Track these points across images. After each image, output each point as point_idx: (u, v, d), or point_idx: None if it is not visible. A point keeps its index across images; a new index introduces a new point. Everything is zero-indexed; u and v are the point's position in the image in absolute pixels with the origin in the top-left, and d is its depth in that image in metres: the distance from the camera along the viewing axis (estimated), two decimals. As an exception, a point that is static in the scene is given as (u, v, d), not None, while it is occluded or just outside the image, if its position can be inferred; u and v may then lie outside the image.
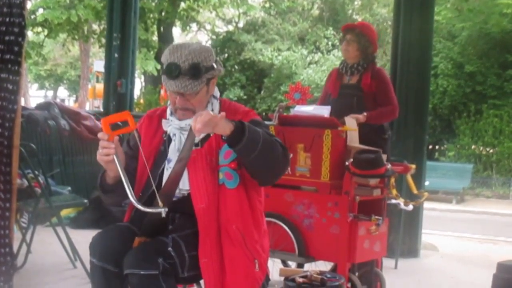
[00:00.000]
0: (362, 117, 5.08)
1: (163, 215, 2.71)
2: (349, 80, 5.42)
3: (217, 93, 3.01)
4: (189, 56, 2.79)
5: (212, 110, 2.94)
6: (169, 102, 3.00)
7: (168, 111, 3.00)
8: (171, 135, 2.96)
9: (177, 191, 2.89)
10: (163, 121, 2.98)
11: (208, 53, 2.85)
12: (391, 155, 5.48)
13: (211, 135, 2.88)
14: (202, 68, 2.81)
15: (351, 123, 4.84)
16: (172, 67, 2.78)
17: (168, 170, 2.91)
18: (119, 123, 2.80)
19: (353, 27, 5.50)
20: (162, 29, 24.37)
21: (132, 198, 2.67)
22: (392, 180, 4.67)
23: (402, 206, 4.95)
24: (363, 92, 5.30)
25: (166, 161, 2.94)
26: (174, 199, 2.90)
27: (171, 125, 2.95)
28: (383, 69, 5.65)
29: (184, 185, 2.89)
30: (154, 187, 2.74)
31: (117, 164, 2.71)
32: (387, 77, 5.51)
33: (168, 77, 2.80)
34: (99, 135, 2.73)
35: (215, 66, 2.88)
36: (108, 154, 2.72)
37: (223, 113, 2.64)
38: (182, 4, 23.00)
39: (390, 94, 5.37)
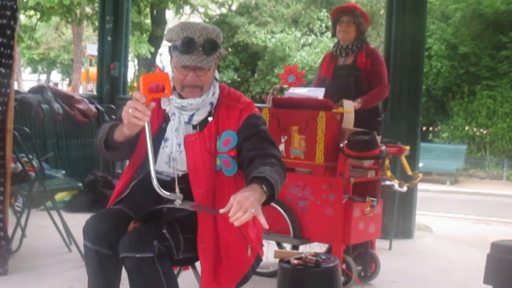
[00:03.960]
0: (356, 104, 5.06)
1: (178, 204, 2.68)
2: (344, 61, 5.42)
3: (217, 75, 3.02)
4: (203, 31, 2.78)
5: (214, 93, 2.94)
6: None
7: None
8: (170, 114, 2.95)
9: (172, 170, 2.89)
10: (162, 99, 2.95)
11: (218, 31, 2.87)
12: (385, 136, 5.50)
13: (210, 120, 2.90)
14: (216, 44, 2.81)
15: (348, 105, 4.83)
16: (188, 41, 2.75)
17: (163, 149, 2.91)
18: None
19: (352, 9, 5.49)
20: (155, 12, 24.25)
21: (154, 178, 2.61)
22: (387, 161, 4.69)
23: (397, 187, 4.97)
24: (359, 71, 5.32)
25: (163, 140, 2.93)
26: (168, 179, 2.90)
27: (170, 103, 2.94)
28: (376, 49, 5.66)
29: (181, 165, 2.89)
30: (176, 174, 2.70)
31: (148, 135, 2.59)
32: (381, 55, 5.55)
33: (183, 52, 2.76)
34: (136, 94, 2.57)
35: (221, 45, 2.88)
36: (140, 119, 2.57)
37: (260, 210, 2.54)
38: (175, -13, 22.89)
39: (382, 73, 5.39)
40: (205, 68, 2.81)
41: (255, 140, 2.85)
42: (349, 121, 4.73)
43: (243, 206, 2.45)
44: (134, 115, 2.55)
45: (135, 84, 19.74)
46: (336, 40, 5.58)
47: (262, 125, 2.95)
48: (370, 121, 5.17)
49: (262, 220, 2.50)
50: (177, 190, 2.68)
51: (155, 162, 2.80)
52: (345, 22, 5.37)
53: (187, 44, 2.75)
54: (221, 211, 2.51)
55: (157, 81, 2.66)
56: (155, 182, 2.62)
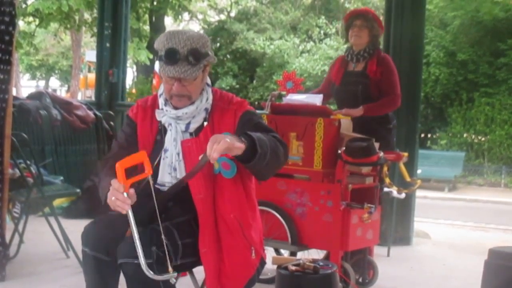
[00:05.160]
0: (357, 111, 5.01)
1: (172, 282, 2.68)
2: (355, 68, 5.30)
3: (209, 81, 3.02)
4: (187, 41, 2.79)
5: (207, 99, 2.95)
6: (161, 91, 2.99)
7: (162, 101, 2.98)
8: (166, 124, 2.96)
9: (175, 180, 2.90)
10: (157, 111, 2.98)
11: (205, 40, 2.86)
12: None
13: (205, 125, 2.91)
14: (201, 54, 2.81)
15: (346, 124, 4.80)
16: (171, 52, 2.76)
17: (164, 160, 2.92)
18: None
19: (365, 13, 5.39)
20: (154, 18, 24.31)
21: (142, 263, 2.56)
22: (385, 168, 4.68)
23: (395, 194, 4.96)
24: (369, 79, 5.19)
25: (163, 151, 2.94)
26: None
27: (165, 115, 2.95)
28: (388, 56, 5.53)
29: (181, 174, 2.89)
30: (168, 260, 2.65)
31: (131, 221, 2.59)
32: (393, 64, 5.32)
33: (167, 63, 2.78)
34: (114, 185, 2.58)
35: (210, 53, 2.88)
36: (122, 208, 2.58)
37: (238, 144, 2.58)
38: (174, -6, 22.93)
39: (394, 83, 5.22)
40: (190, 78, 2.82)
41: (253, 131, 2.84)
42: (346, 127, 4.72)
43: (216, 140, 2.54)
44: (116, 204, 2.58)
45: (134, 91, 19.77)
46: (349, 44, 5.48)
47: (258, 119, 2.96)
48: (378, 129, 5.10)
49: (238, 144, 2.56)
50: (170, 269, 2.63)
51: (156, 174, 2.87)
52: (358, 26, 5.24)
53: (170, 55, 2.77)
54: (201, 156, 2.61)
55: (135, 164, 2.67)
56: (145, 269, 2.56)
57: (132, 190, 2.60)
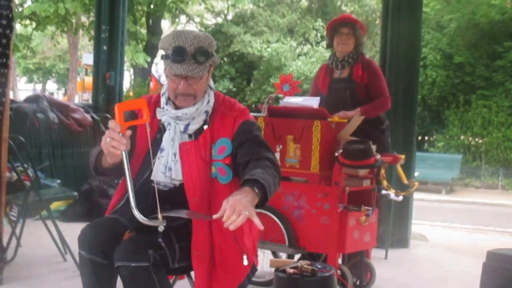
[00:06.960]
0: (354, 113, 5.03)
1: (161, 229, 2.66)
2: (340, 74, 5.37)
3: (212, 83, 3.02)
4: (194, 40, 2.80)
5: (208, 101, 2.95)
6: (163, 90, 2.99)
7: (163, 100, 2.98)
8: (166, 124, 2.96)
9: (169, 181, 2.90)
10: (158, 110, 2.98)
11: (211, 40, 2.89)
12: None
13: (205, 128, 2.90)
14: (207, 53, 2.82)
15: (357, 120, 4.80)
16: (178, 50, 2.77)
17: (159, 159, 2.91)
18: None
19: (353, 21, 5.43)
20: (151, 21, 24.28)
21: (134, 207, 2.59)
22: (382, 170, 4.68)
23: (392, 196, 4.96)
24: (355, 83, 5.26)
25: (159, 151, 2.93)
26: (166, 189, 2.91)
27: (166, 114, 2.94)
28: (372, 60, 5.61)
29: (177, 175, 2.89)
30: (158, 205, 2.65)
31: (125, 163, 2.60)
32: (378, 67, 5.47)
33: (174, 61, 2.78)
34: (111, 124, 2.59)
35: (214, 54, 2.90)
36: (117, 148, 2.58)
37: (256, 219, 2.50)
38: (171, -4, 22.92)
39: (381, 85, 5.33)
40: (197, 77, 2.82)
41: (249, 145, 2.86)
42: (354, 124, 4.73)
43: (236, 209, 2.45)
44: (111, 144, 2.57)
45: (131, 94, 19.74)
46: (331, 51, 5.53)
47: (256, 131, 2.96)
48: (372, 131, 5.12)
49: (257, 221, 2.49)
50: (159, 216, 2.63)
51: (151, 172, 2.86)
52: (345, 34, 5.29)
53: (178, 53, 2.77)
54: (215, 216, 2.51)
55: (133, 109, 2.71)
56: (135, 212, 2.59)
57: (128, 132, 2.60)
